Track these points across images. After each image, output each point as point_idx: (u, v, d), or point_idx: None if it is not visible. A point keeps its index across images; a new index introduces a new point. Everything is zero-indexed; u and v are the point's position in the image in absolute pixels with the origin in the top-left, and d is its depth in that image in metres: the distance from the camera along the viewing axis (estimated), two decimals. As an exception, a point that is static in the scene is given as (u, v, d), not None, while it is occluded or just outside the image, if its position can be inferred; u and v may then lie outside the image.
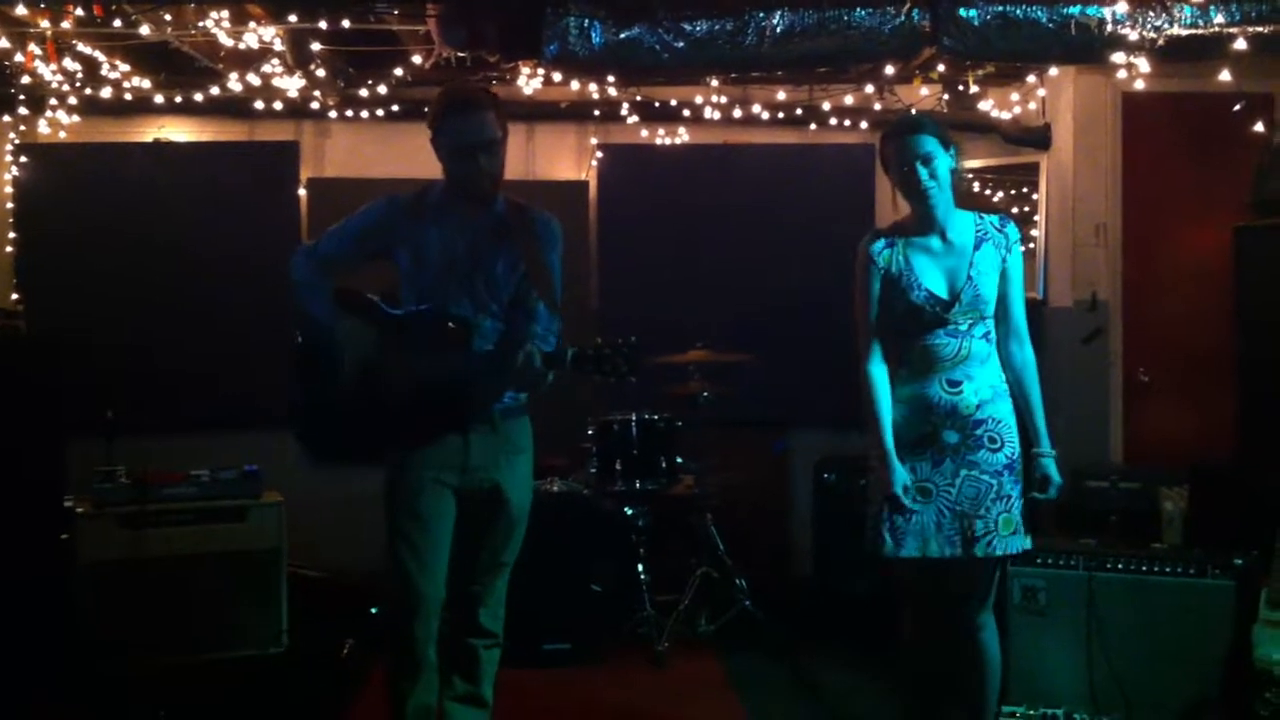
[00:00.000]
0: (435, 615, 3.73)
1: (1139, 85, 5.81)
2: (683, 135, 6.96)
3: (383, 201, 3.80)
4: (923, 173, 3.61)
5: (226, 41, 5.67)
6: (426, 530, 3.70)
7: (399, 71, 6.18)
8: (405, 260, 3.73)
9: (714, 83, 6.54)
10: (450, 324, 3.65)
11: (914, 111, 6.48)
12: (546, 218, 3.85)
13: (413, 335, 3.69)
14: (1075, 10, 4.95)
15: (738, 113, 6.82)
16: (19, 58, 5.82)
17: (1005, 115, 6.77)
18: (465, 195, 3.73)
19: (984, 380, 3.67)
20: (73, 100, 6.38)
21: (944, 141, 3.65)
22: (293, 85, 6.20)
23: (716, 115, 6.78)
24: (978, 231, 3.69)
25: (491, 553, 3.83)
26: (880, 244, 3.75)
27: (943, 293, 3.65)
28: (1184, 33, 5.07)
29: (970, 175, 6.91)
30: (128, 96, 6.44)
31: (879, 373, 3.73)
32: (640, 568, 5.75)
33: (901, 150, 3.64)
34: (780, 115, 6.86)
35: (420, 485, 3.70)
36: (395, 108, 6.65)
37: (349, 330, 3.75)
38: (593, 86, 6.53)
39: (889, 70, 5.94)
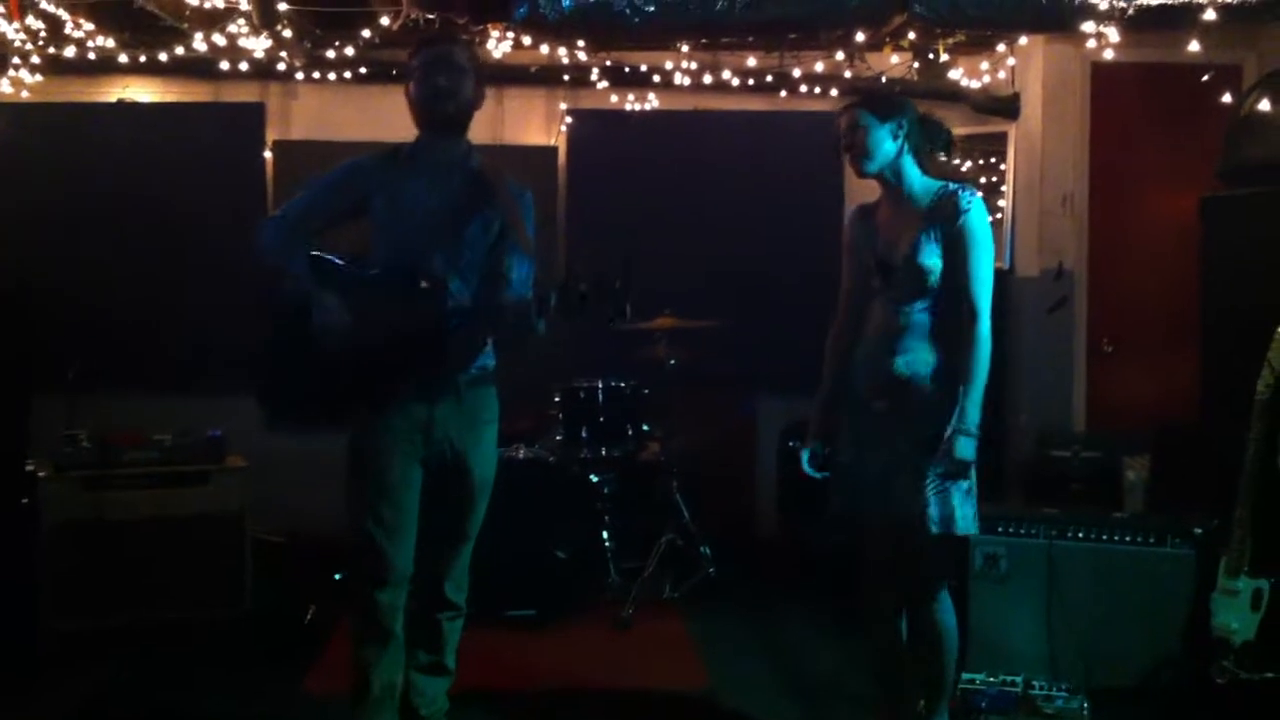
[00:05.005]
0: (404, 587, 3.70)
1: (1108, 55, 5.81)
2: (653, 101, 6.92)
3: (358, 157, 3.76)
4: (843, 143, 3.69)
5: (192, 0, 5.60)
6: (395, 502, 3.66)
7: (366, 33, 6.12)
8: (379, 209, 3.66)
9: (684, 48, 6.50)
10: (423, 282, 3.56)
11: (884, 79, 6.52)
12: (520, 188, 3.79)
13: (383, 294, 3.59)
14: (1046, -22, 4.97)
15: (708, 79, 6.78)
16: (-19, 15, 5.75)
17: (975, 84, 6.75)
18: (429, 122, 3.66)
19: (918, 354, 3.58)
20: (36, 59, 6.29)
21: (883, 114, 3.63)
22: (259, 46, 6.13)
23: (687, 81, 6.74)
24: (932, 201, 3.63)
25: (454, 525, 3.81)
26: (855, 215, 3.85)
27: (888, 259, 3.65)
28: (1154, 2, 5.09)
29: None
30: (92, 56, 6.34)
31: (831, 344, 3.88)
32: (605, 534, 5.76)
33: (838, 120, 3.73)
34: (750, 82, 6.82)
35: (387, 457, 3.65)
36: (363, 70, 6.58)
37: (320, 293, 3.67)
38: (562, 50, 6.48)
39: (860, 37, 5.92)
